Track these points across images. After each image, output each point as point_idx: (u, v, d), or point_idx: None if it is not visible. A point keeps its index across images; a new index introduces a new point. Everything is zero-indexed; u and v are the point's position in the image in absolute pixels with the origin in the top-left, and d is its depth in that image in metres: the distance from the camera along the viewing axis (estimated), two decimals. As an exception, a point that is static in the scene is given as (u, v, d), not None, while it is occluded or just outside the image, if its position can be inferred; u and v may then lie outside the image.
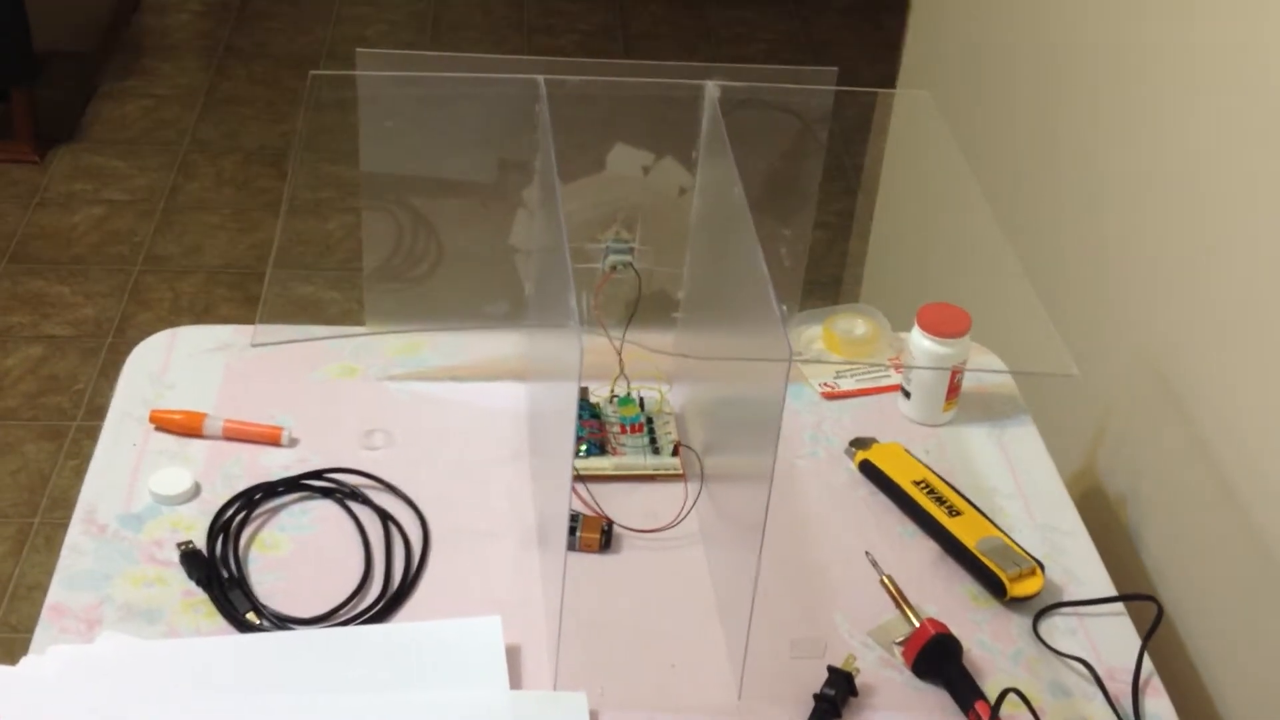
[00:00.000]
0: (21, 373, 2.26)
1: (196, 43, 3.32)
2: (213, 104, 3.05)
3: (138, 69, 3.17)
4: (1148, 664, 1.00)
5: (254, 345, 1.18)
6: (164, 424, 1.12)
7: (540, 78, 1.06)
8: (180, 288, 2.47)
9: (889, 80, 2.14)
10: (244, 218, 2.68)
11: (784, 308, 0.87)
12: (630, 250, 1.14)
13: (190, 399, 1.15)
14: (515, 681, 0.94)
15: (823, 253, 2.62)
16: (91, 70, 3.09)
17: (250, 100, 3.06)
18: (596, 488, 1.10)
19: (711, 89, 1.09)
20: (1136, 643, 1.02)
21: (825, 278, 2.54)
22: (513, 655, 0.96)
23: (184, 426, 1.11)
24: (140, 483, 1.07)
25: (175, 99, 3.06)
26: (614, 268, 1.14)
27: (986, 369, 1.23)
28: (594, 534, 1.05)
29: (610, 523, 1.06)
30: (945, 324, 1.17)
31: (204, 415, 1.12)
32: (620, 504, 1.09)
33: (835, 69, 1.12)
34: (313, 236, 2.60)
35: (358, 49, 1.06)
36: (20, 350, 2.31)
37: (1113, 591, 1.06)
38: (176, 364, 1.19)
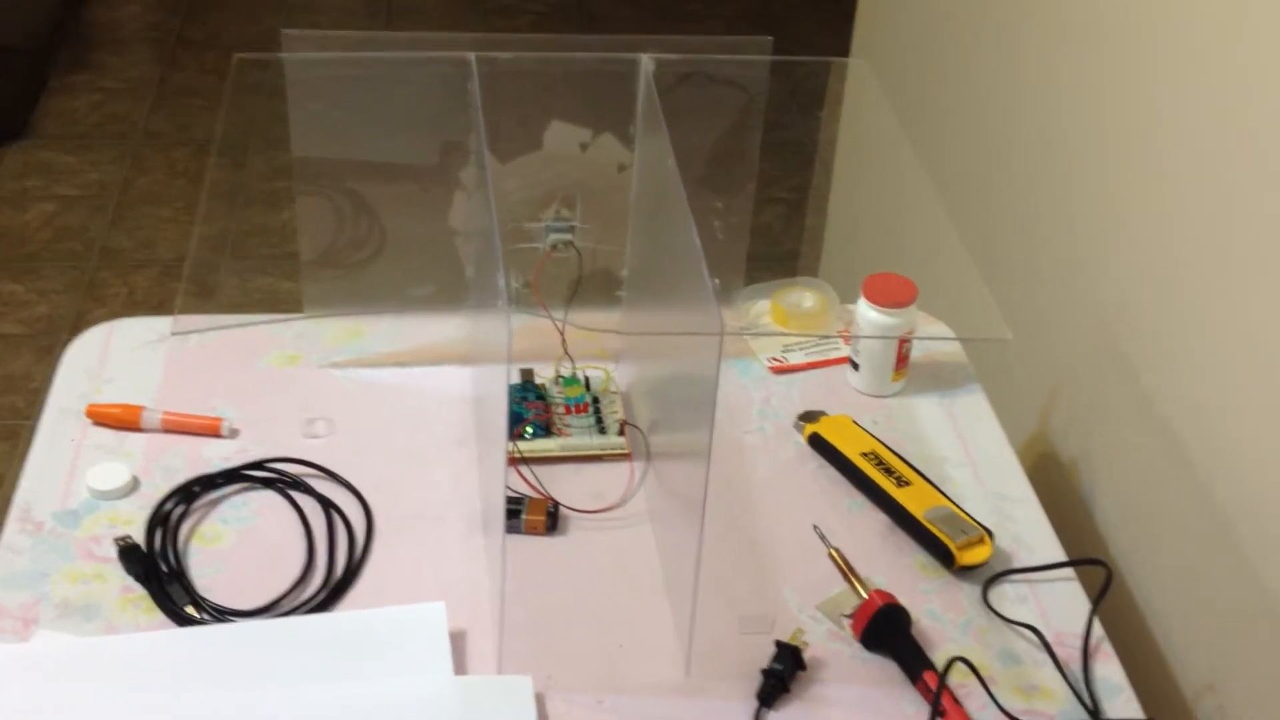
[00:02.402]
0: (-25, 373, 2.23)
1: (147, 34, 3.28)
2: (164, 96, 3.02)
3: (87, 63, 3.13)
4: (1098, 629, 1.00)
5: (173, 334, 1.17)
6: (101, 418, 1.10)
7: (471, 55, 1.05)
8: (135, 282, 2.45)
9: (843, 52, 2.13)
10: (197, 210, 2.65)
11: (717, 282, 0.85)
12: (571, 229, 1.13)
13: (129, 392, 1.13)
14: (461, 667, 0.93)
15: (782, 228, 2.62)
16: (40, 65, 3.05)
17: (202, 91, 3.03)
18: (543, 469, 1.09)
19: (646, 62, 1.08)
20: (1087, 608, 1.01)
21: (783, 253, 2.53)
22: (458, 641, 0.95)
23: (122, 420, 1.10)
24: (78, 479, 1.05)
25: (126, 92, 3.02)
26: (555, 247, 1.13)
27: (927, 337, 1.22)
28: (539, 516, 1.04)
29: (556, 504, 1.05)
30: (891, 294, 1.17)
31: (141, 408, 1.10)
32: (567, 485, 1.08)
33: (770, 38, 1.10)
34: (268, 227, 2.58)
35: (283, 30, 1.04)
36: (-27, 350, 2.28)
37: (1064, 558, 1.06)
38: (115, 357, 1.17)
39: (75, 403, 1.12)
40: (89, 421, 1.10)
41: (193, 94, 3.02)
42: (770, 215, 2.62)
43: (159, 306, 2.36)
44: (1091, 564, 1.06)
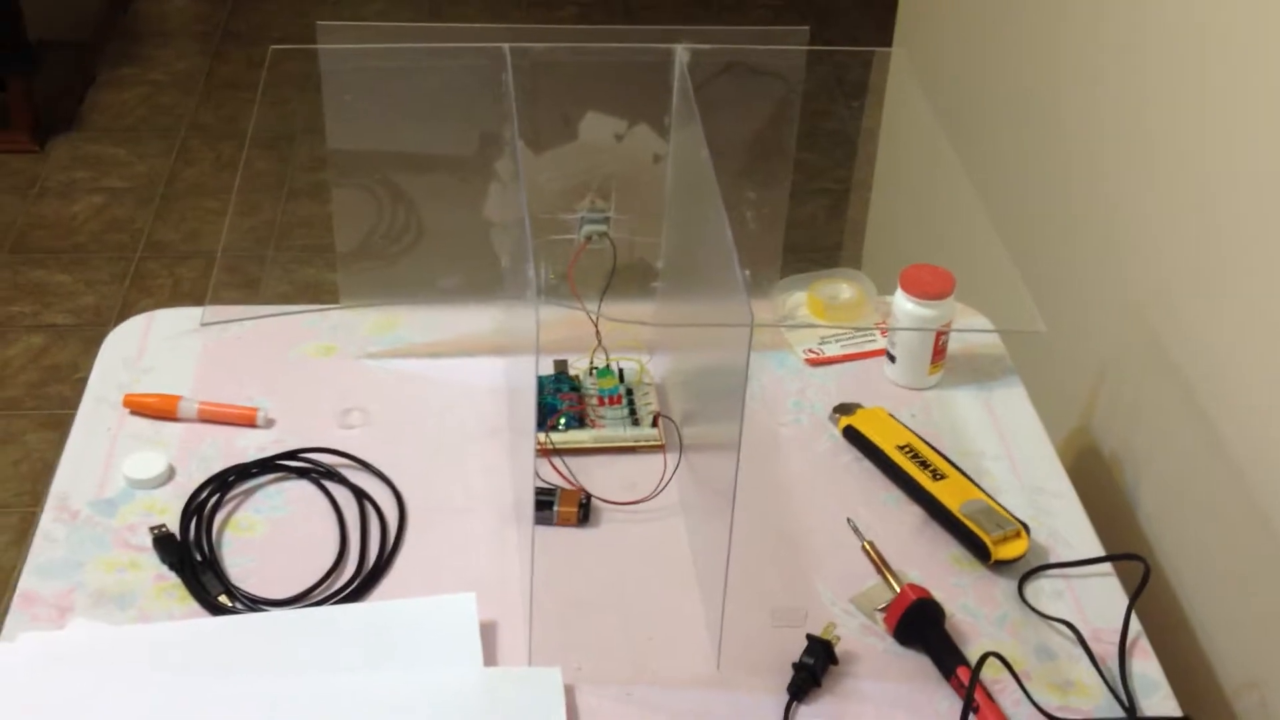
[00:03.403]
0: (24, 362, 2.26)
1: (194, 27, 3.31)
2: (211, 89, 3.04)
3: (135, 56, 3.16)
4: (1135, 624, 0.99)
5: (203, 325, 1.18)
6: (138, 408, 1.11)
7: (505, 46, 1.05)
8: (180, 273, 2.47)
9: (888, 43, 2.11)
10: (243, 201, 2.67)
11: (748, 273, 0.85)
12: (606, 220, 1.13)
13: (166, 382, 1.14)
14: (491, 658, 0.93)
15: (825, 219, 2.60)
16: (89, 58, 3.08)
17: (248, 84, 3.06)
18: (575, 461, 1.09)
19: (681, 53, 1.07)
20: (1124, 604, 1.00)
21: (828, 244, 2.51)
22: (489, 632, 0.95)
23: (158, 410, 1.11)
24: (114, 468, 1.06)
25: (173, 85, 3.05)
26: (589, 238, 1.13)
27: (965, 329, 1.21)
28: (571, 508, 1.04)
29: (588, 496, 1.05)
30: (928, 285, 1.15)
31: (178, 398, 1.11)
32: (599, 476, 1.08)
33: (806, 29, 1.09)
34: (313, 218, 2.60)
35: (317, 22, 1.05)
36: (22, 340, 2.31)
37: (1101, 553, 1.04)
38: (152, 348, 1.18)
39: (113, 392, 1.13)
40: (126, 411, 1.11)
41: (239, 87, 3.05)
42: (815, 206, 2.60)
43: (204, 298, 2.38)
44: (1129, 559, 1.04)
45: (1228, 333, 1.08)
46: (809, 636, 0.94)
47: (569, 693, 0.91)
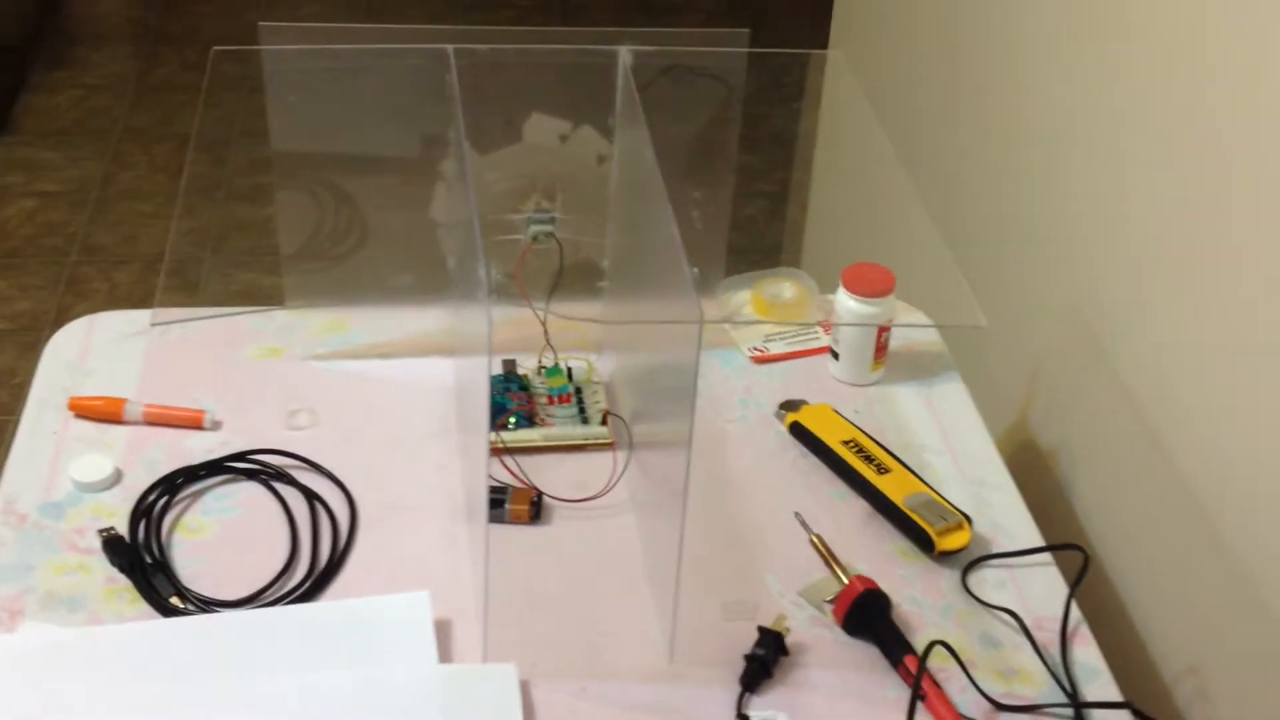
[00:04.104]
0: (-43, 369, 2.23)
1: (127, 30, 3.27)
2: (145, 91, 3.01)
3: (68, 59, 3.12)
4: (1076, 612, 1.01)
5: (152, 325, 1.17)
6: (83, 411, 1.10)
7: (449, 47, 1.05)
8: (117, 278, 2.45)
9: (826, 46, 2.14)
10: (181, 205, 2.64)
11: (696, 271, 0.86)
12: (552, 220, 1.14)
13: (111, 385, 1.13)
14: (446, 656, 0.94)
15: (765, 220, 2.62)
16: (20, 62, 3.04)
17: (183, 86, 3.03)
18: (526, 459, 1.10)
19: (624, 55, 1.08)
20: (1065, 592, 1.02)
21: (767, 245, 2.54)
22: (443, 630, 0.95)
23: (104, 412, 1.10)
24: (60, 471, 1.05)
25: (107, 88, 3.01)
26: (535, 238, 1.13)
27: (907, 324, 1.23)
28: (523, 506, 1.05)
29: (539, 494, 1.06)
30: (869, 283, 1.17)
31: (124, 400, 1.10)
32: (550, 475, 1.08)
33: (747, 31, 1.11)
34: (251, 221, 2.58)
35: (259, 23, 1.05)
36: (-45, 346, 2.27)
37: (1041, 543, 1.07)
38: (96, 350, 1.18)
39: (57, 396, 1.12)
40: (71, 414, 1.11)
41: (174, 89, 3.02)
42: (754, 208, 2.63)
43: (141, 302, 2.36)
44: (1069, 549, 1.07)
45: (1160, 328, 1.11)
46: (760, 628, 0.96)
47: (524, 689, 0.92)
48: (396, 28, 1.12)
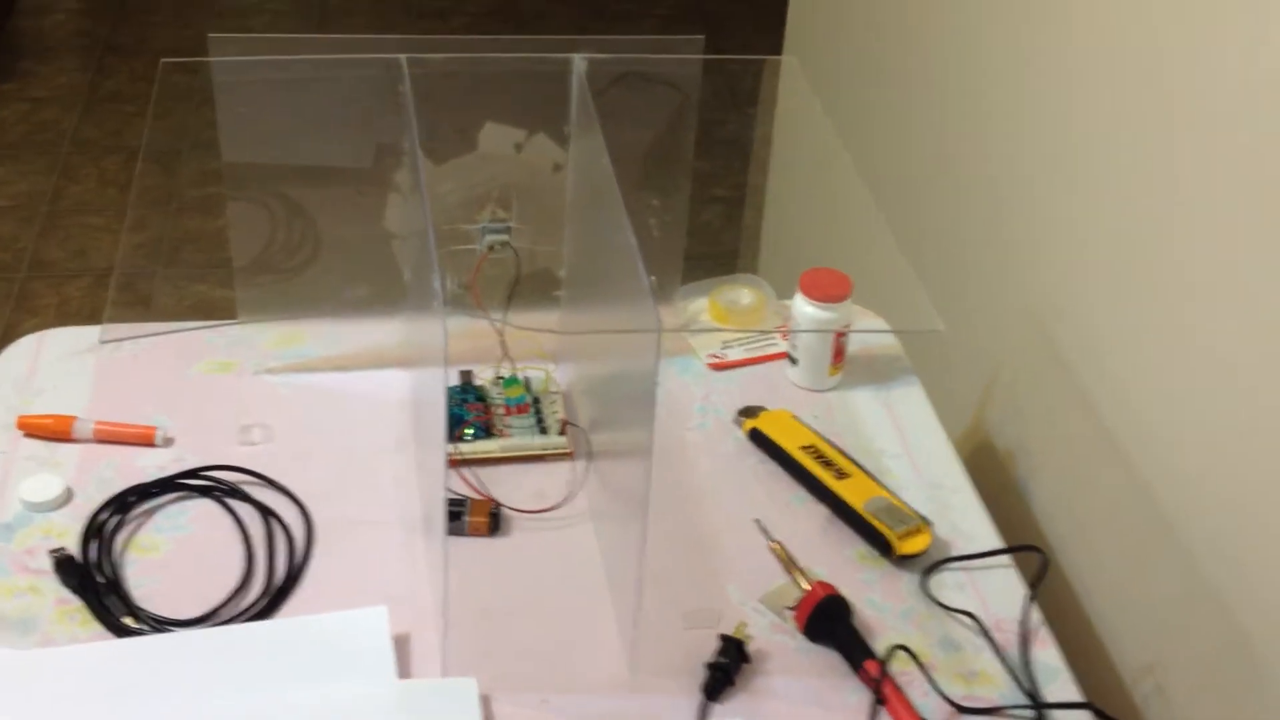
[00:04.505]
0: (-97, 388, 2.19)
1: (75, 41, 3.24)
2: (94, 104, 2.98)
3: (14, 71, 3.08)
4: (1036, 614, 1.01)
5: (102, 342, 1.15)
6: (32, 429, 1.09)
7: (402, 57, 1.04)
8: (67, 292, 2.42)
9: (780, 52, 2.14)
10: (131, 218, 2.61)
11: (653, 279, 0.86)
12: (508, 230, 1.13)
13: (61, 403, 1.12)
14: (406, 671, 0.93)
15: (721, 226, 2.63)
16: (-35, 74, 3.00)
17: (133, 98, 3.00)
18: (484, 471, 1.09)
19: (579, 62, 1.08)
20: (1024, 594, 1.03)
21: (724, 251, 2.54)
22: (402, 645, 0.94)
23: (53, 431, 1.08)
24: (9, 491, 1.04)
25: (55, 100, 2.98)
26: (491, 248, 1.13)
27: (864, 329, 1.23)
28: (482, 517, 1.04)
29: (498, 505, 1.05)
30: (826, 288, 1.18)
31: (73, 418, 1.09)
32: (509, 486, 1.08)
33: (702, 38, 1.11)
34: (202, 233, 2.55)
35: (209, 34, 1.03)
36: (-99, 365, 2.23)
37: (1001, 545, 1.07)
38: (44, 368, 1.16)
39: (5, 414, 1.10)
40: (20, 433, 1.09)
41: (123, 100, 2.99)
42: (710, 214, 2.63)
43: (92, 317, 2.33)
44: (1028, 550, 1.07)
45: (1115, 330, 1.12)
46: (721, 636, 0.95)
47: (485, 703, 0.91)
48: (349, 38, 1.11)
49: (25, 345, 1.19)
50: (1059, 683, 0.97)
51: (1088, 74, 1.15)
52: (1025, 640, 0.99)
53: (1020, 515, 1.23)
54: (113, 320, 1.23)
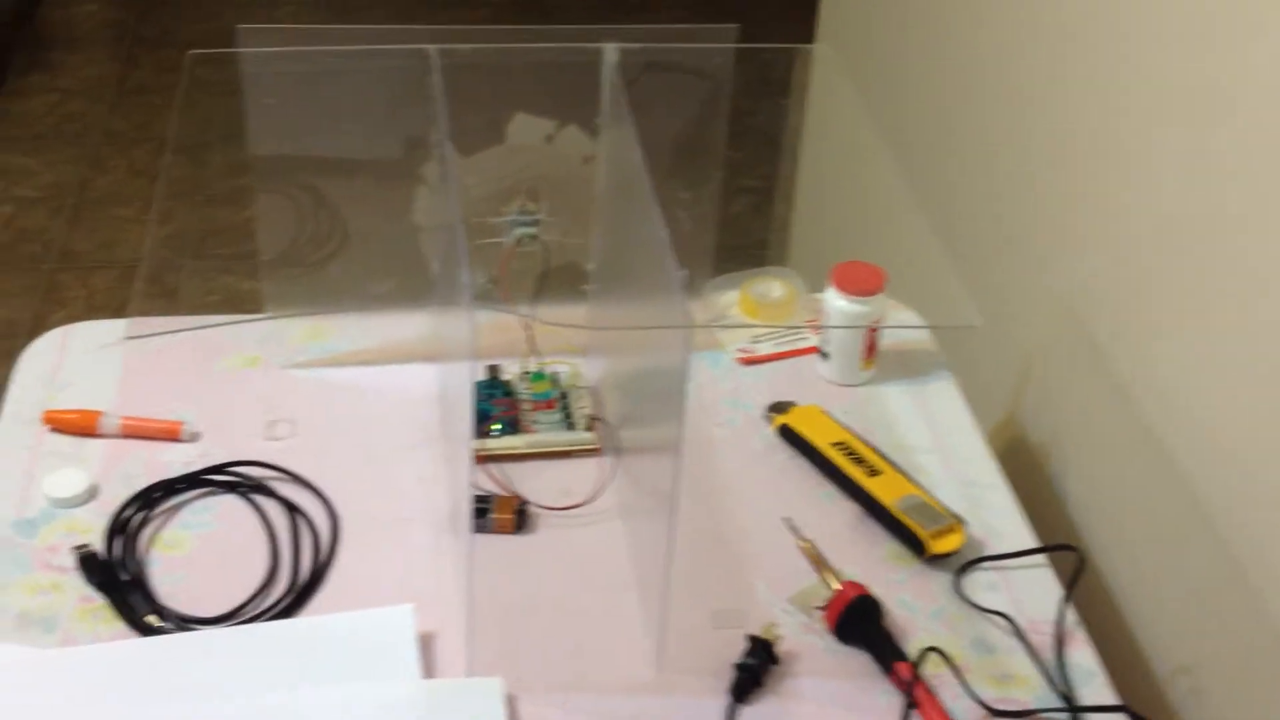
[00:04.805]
0: (-67, 379, 2.20)
1: (103, 33, 3.24)
2: (122, 95, 2.98)
3: (44, 63, 3.09)
4: (1071, 615, 1.00)
5: (128, 339, 1.15)
6: (58, 424, 1.08)
7: (432, 47, 1.03)
8: (95, 284, 2.42)
9: (805, 41, 2.12)
10: (159, 209, 2.62)
11: (685, 273, 0.84)
12: (536, 222, 1.12)
13: (87, 397, 1.11)
14: (430, 670, 0.92)
15: (751, 217, 2.61)
16: (-5, 65, 3.01)
17: (161, 89, 3.00)
18: (511, 467, 1.08)
19: (610, 52, 1.06)
20: (1059, 594, 1.01)
21: (753, 242, 2.52)
22: (428, 644, 0.93)
23: (79, 426, 1.08)
24: (34, 487, 1.03)
25: (83, 91, 2.98)
26: (520, 241, 1.11)
27: (897, 325, 1.22)
28: (507, 515, 1.03)
29: (524, 502, 1.04)
30: (859, 282, 1.16)
31: (99, 413, 1.08)
32: (535, 482, 1.06)
33: (735, 26, 1.09)
34: (230, 225, 2.55)
35: (238, 25, 1.02)
36: (-69, 356, 2.24)
37: (1035, 544, 1.05)
38: (71, 362, 1.15)
39: (31, 409, 1.10)
40: (46, 428, 1.08)
41: (151, 92, 2.99)
42: (740, 204, 2.61)
43: (120, 309, 2.33)
44: (1063, 550, 1.06)
45: (1153, 323, 1.09)
46: (749, 637, 0.94)
47: (510, 703, 0.90)
48: (378, 28, 1.10)
49: (51, 339, 1.18)
50: (1095, 685, 0.95)
51: (1130, 57, 1.13)
52: (1060, 642, 0.97)
53: (1055, 513, 1.21)
54: (139, 312, 1.22)
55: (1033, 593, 1.01)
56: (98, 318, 1.22)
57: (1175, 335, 1.06)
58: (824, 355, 1.19)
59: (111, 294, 2.38)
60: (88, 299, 2.37)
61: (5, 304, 2.35)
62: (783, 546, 1.03)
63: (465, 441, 0.88)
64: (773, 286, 1.26)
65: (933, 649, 0.94)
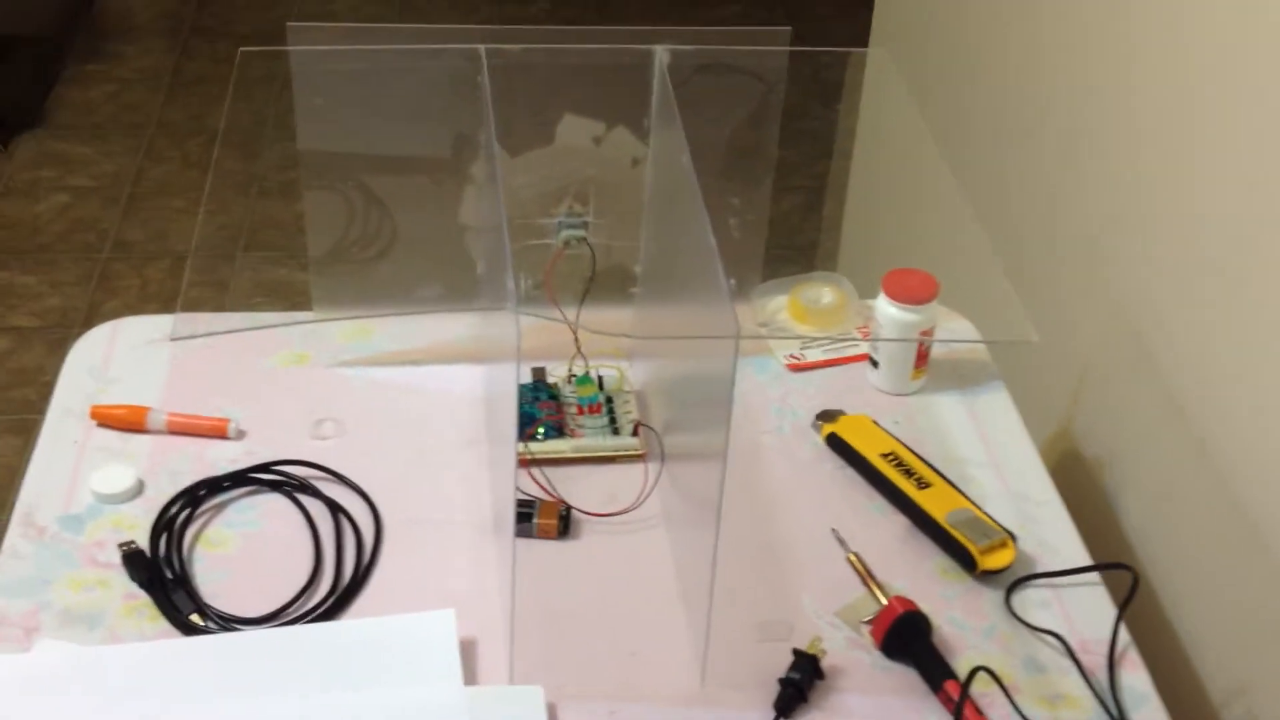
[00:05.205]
0: (-13, 366, 2.23)
1: (160, 24, 3.27)
2: (178, 86, 3.00)
3: (102, 52, 3.11)
4: (1124, 635, 0.97)
5: (172, 339, 1.15)
6: (106, 420, 1.08)
7: (481, 47, 1.02)
8: (148, 274, 2.44)
9: (865, 41, 2.10)
10: (211, 200, 2.63)
11: (733, 281, 0.83)
12: (584, 225, 1.11)
13: (134, 393, 1.11)
14: (471, 677, 0.91)
15: (801, 218, 2.59)
16: (54, 55, 3.03)
17: (216, 81, 3.02)
18: (555, 471, 1.07)
19: (661, 54, 1.05)
20: (1113, 614, 0.99)
21: (803, 243, 2.50)
22: (469, 649, 0.93)
23: (126, 422, 1.08)
24: (81, 482, 1.03)
25: (140, 82, 3.01)
26: (567, 243, 1.10)
27: (949, 339, 1.19)
28: (551, 520, 1.02)
29: (568, 507, 1.03)
30: (911, 290, 1.14)
31: (147, 409, 1.08)
32: (579, 487, 1.06)
33: (789, 29, 1.08)
34: (282, 218, 2.56)
35: (288, 23, 1.02)
36: (-14, 343, 2.27)
37: (1088, 561, 1.03)
38: (119, 357, 1.16)
39: (79, 403, 1.10)
40: (93, 423, 1.09)
41: (207, 83, 3.01)
42: (789, 205, 2.59)
43: (171, 299, 2.34)
44: (1117, 569, 1.03)
45: (1212, 334, 1.07)
46: (795, 651, 0.93)
47: (551, 711, 0.89)
48: (427, 27, 1.10)
49: (100, 333, 1.19)
50: (1148, 708, 0.93)
51: (1194, 65, 1.10)
52: (1113, 663, 0.95)
53: (1109, 529, 1.19)
54: (189, 304, 1.23)
55: (1085, 612, 0.99)
56: (150, 307, 1.23)
57: (1235, 348, 1.03)
58: (874, 363, 1.18)
59: (164, 284, 2.40)
60: (141, 289, 2.39)
61: (60, 293, 2.38)
62: (830, 558, 1.01)
63: (509, 445, 0.87)
64: (823, 292, 1.25)
65: (982, 668, 0.92)
